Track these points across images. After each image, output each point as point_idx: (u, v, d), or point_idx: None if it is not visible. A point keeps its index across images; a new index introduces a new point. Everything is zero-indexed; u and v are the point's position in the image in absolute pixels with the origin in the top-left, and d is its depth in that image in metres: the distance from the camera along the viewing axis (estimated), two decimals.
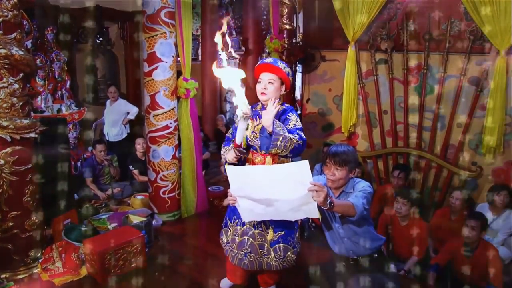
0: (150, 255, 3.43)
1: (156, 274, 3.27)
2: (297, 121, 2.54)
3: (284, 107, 2.62)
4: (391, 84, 4.86)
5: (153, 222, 3.95)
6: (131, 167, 5.32)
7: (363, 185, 2.40)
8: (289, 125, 2.52)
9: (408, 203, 3.58)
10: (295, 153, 2.45)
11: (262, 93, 2.56)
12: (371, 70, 4.96)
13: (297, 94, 7.56)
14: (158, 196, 4.32)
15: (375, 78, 4.95)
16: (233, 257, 2.67)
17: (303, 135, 2.46)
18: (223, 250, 2.79)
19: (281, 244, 2.58)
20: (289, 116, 2.56)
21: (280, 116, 2.57)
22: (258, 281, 2.88)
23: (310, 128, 5.44)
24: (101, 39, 7.10)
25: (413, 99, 4.78)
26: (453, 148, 4.56)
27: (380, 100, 4.96)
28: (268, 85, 2.53)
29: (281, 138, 2.29)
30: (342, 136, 5.22)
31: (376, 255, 2.56)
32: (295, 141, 2.35)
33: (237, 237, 2.65)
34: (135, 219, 3.79)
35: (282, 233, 2.59)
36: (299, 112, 6.93)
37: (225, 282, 3.00)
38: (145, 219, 3.76)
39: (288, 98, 6.07)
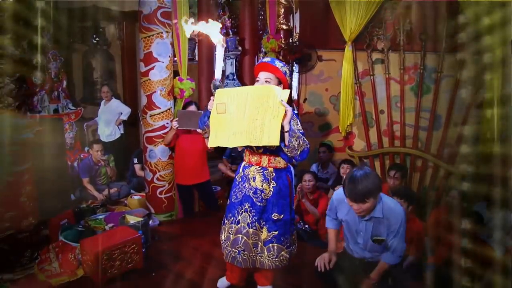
0: (147, 255, 3.42)
1: (153, 274, 3.26)
2: (299, 126, 2.53)
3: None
4: (388, 83, 4.87)
5: (150, 222, 3.95)
6: (135, 160, 5.30)
7: (395, 217, 2.45)
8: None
9: (405, 203, 3.58)
10: (302, 158, 2.45)
11: None
12: (368, 70, 4.97)
13: (294, 94, 7.56)
14: (155, 196, 4.31)
15: (372, 77, 4.96)
16: (226, 255, 2.67)
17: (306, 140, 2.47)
18: (221, 250, 2.78)
19: (275, 244, 2.58)
20: (293, 119, 2.53)
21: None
22: (256, 281, 2.88)
23: (307, 128, 5.45)
24: (97, 39, 7.09)
25: (410, 99, 4.80)
26: (450, 147, 4.57)
27: (376, 99, 4.98)
28: (265, 84, 2.54)
29: (296, 136, 2.35)
30: (339, 136, 5.23)
31: None
32: (306, 144, 2.40)
33: (231, 235, 2.65)
34: (132, 219, 3.78)
35: (276, 233, 2.58)
36: (296, 112, 6.94)
37: (222, 282, 2.99)
38: (142, 219, 3.75)
39: None
